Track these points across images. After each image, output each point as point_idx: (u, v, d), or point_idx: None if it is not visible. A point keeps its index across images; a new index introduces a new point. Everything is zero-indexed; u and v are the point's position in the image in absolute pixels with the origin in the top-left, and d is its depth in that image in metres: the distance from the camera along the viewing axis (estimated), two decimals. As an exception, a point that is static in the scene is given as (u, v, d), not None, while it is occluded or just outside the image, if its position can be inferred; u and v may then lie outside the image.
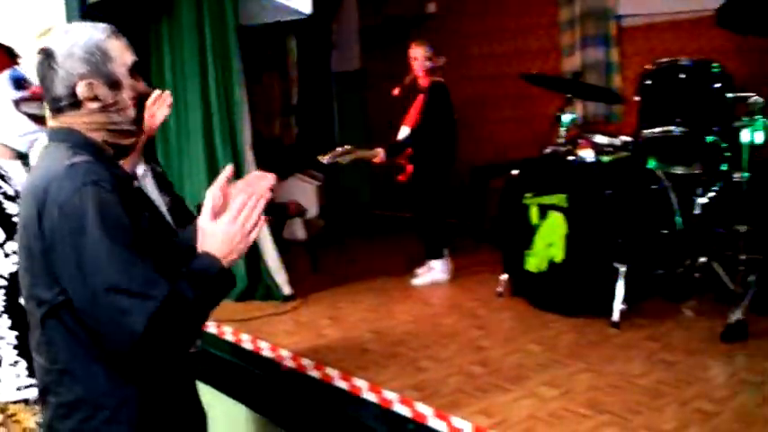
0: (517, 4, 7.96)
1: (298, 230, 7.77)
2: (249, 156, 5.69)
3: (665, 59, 4.84)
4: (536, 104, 7.81)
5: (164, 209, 3.34)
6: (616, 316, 4.62)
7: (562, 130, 5.34)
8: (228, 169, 2.20)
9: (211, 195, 2.11)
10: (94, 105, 2.04)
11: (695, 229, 5.13)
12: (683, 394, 3.61)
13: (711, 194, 4.98)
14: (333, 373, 4.16)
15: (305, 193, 8.01)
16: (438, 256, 6.11)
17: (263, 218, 2.08)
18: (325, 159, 5.64)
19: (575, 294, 4.89)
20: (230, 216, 2.03)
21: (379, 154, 5.85)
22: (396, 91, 6.12)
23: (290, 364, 4.42)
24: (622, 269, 4.66)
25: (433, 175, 6.01)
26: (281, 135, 8.59)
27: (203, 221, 2.06)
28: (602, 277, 4.72)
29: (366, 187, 10.02)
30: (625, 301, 4.67)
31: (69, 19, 5.34)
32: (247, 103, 5.75)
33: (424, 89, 5.98)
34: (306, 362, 4.34)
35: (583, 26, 7.15)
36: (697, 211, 4.98)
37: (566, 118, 5.38)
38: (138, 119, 2.13)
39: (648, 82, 4.76)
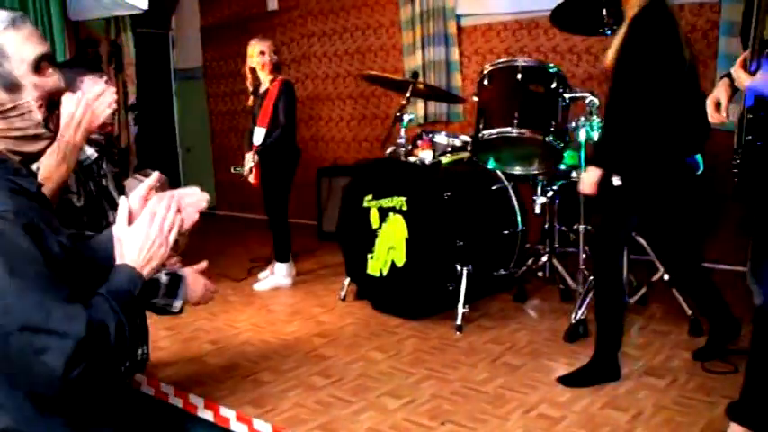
0: (359, 3, 7.87)
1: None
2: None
3: (501, 60, 4.80)
4: (379, 104, 7.78)
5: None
6: (459, 319, 4.58)
7: (402, 131, 5.26)
8: (155, 177, 2.09)
9: (127, 202, 1.97)
10: None
11: (536, 228, 5.16)
12: (527, 399, 3.58)
13: (551, 194, 4.99)
14: (167, 389, 3.94)
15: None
16: (284, 259, 5.96)
17: (179, 218, 1.98)
18: (245, 172, 5.69)
19: (418, 298, 4.82)
20: (146, 219, 1.91)
21: (254, 158, 5.72)
22: (250, 102, 5.98)
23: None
24: (464, 271, 4.63)
25: (282, 176, 5.84)
26: (118, 134, 8.22)
27: (119, 229, 1.92)
28: (445, 280, 4.67)
29: (211, 188, 9.75)
30: (468, 303, 4.63)
31: None
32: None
33: (275, 87, 5.76)
34: (139, 377, 4.10)
35: (423, 25, 7.11)
36: (537, 211, 4.97)
37: (405, 118, 5.29)
38: (49, 120, 1.87)
39: (486, 82, 4.71)
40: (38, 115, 1.84)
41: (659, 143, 3.62)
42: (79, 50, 7.49)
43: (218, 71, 9.59)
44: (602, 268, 3.79)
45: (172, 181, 8.85)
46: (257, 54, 5.77)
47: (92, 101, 2.39)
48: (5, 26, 1.79)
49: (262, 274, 6.11)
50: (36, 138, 1.87)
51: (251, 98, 5.96)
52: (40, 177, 2.17)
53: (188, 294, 2.80)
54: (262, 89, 5.85)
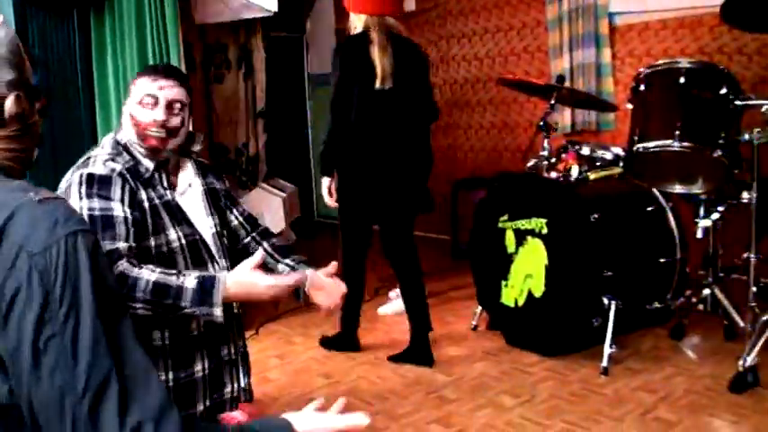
0: (501, 2, 7.30)
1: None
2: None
3: (661, 61, 4.17)
4: (522, 111, 7.20)
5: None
6: (605, 360, 3.98)
7: (545, 141, 4.70)
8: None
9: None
10: (16, 126, 1.35)
11: (697, 255, 4.50)
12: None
13: (716, 216, 4.31)
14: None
15: (271, 204, 7.34)
16: None
17: None
18: None
19: (557, 333, 4.24)
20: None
21: None
22: None
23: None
24: (612, 305, 4.02)
25: None
26: (247, 142, 7.92)
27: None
28: (589, 314, 4.07)
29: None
30: (616, 341, 4.02)
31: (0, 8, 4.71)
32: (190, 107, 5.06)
33: None
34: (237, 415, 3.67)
35: (571, 25, 6.50)
36: (699, 235, 4.31)
37: (550, 127, 4.73)
38: None
39: (642, 87, 4.08)
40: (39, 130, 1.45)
41: None
42: (207, 55, 7.25)
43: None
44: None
45: (303, 188, 8.51)
46: None
47: None
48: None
49: (391, 294, 5.63)
50: (29, 163, 1.44)
51: None
52: None
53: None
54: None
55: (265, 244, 2.83)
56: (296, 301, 2.77)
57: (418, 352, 4.34)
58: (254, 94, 7.87)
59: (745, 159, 3.96)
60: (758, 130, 3.88)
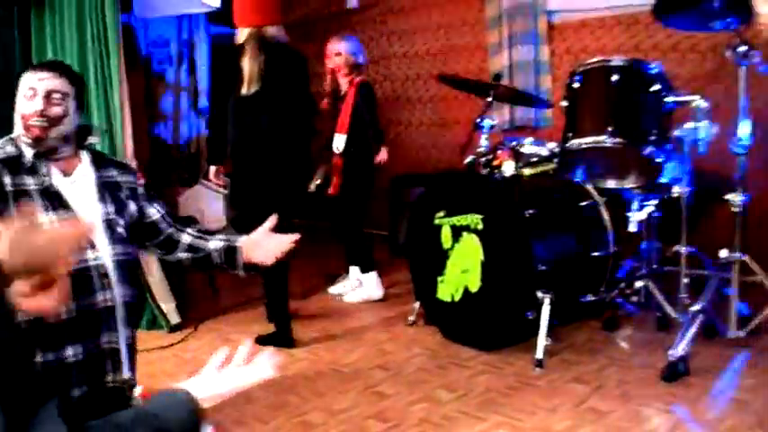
0: (442, -1, 7.36)
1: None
2: (132, 165, 4.98)
3: (594, 59, 4.24)
4: (462, 107, 7.25)
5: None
6: (540, 353, 4.03)
7: (483, 138, 4.75)
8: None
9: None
10: None
11: (630, 249, 4.58)
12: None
13: (648, 210, 4.39)
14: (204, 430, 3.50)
15: (212, 201, 7.32)
16: (370, 268, 5.59)
17: None
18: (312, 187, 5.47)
19: (493, 327, 4.29)
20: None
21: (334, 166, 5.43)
22: (324, 103, 5.65)
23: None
24: (546, 299, 4.08)
25: (365, 183, 5.56)
26: (189, 139, 7.89)
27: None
28: (524, 308, 4.13)
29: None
30: (551, 334, 4.08)
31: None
32: (130, 106, 5.02)
33: (352, 90, 5.45)
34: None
35: (510, 23, 6.56)
36: (632, 229, 4.38)
37: (486, 124, 4.78)
38: None
39: (576, 85, 4.15)
40: None
41: None
42: (149, 51, 7.22)
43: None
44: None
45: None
46: (333, 55, 5.50)
47: None
48: None
49: (334, 289, 5.73)
50: None
51: (325, 101, 5.58)
52: None
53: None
54: (343, 93, 5.54)
55: (189, 229, 2.87)
56: (240, 275, 2.81)
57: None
58: (196, 90, 7.85)
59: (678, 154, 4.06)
60: (688, 125, 3.95)
